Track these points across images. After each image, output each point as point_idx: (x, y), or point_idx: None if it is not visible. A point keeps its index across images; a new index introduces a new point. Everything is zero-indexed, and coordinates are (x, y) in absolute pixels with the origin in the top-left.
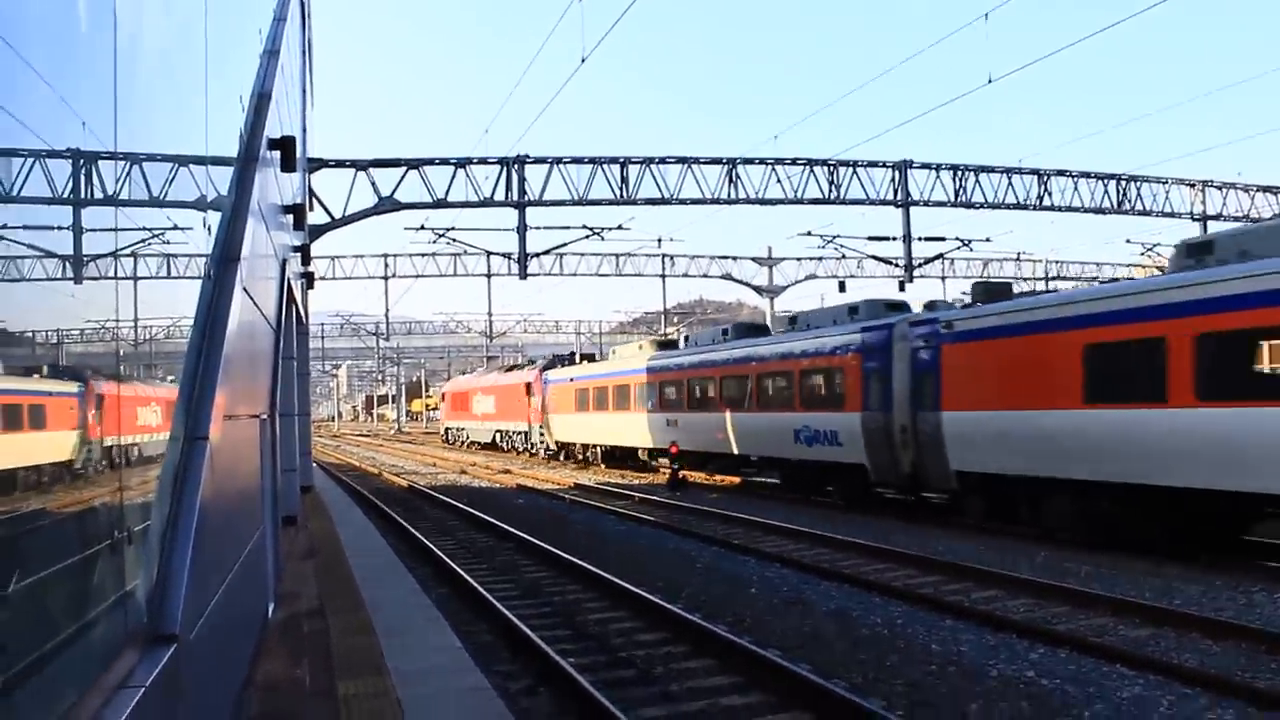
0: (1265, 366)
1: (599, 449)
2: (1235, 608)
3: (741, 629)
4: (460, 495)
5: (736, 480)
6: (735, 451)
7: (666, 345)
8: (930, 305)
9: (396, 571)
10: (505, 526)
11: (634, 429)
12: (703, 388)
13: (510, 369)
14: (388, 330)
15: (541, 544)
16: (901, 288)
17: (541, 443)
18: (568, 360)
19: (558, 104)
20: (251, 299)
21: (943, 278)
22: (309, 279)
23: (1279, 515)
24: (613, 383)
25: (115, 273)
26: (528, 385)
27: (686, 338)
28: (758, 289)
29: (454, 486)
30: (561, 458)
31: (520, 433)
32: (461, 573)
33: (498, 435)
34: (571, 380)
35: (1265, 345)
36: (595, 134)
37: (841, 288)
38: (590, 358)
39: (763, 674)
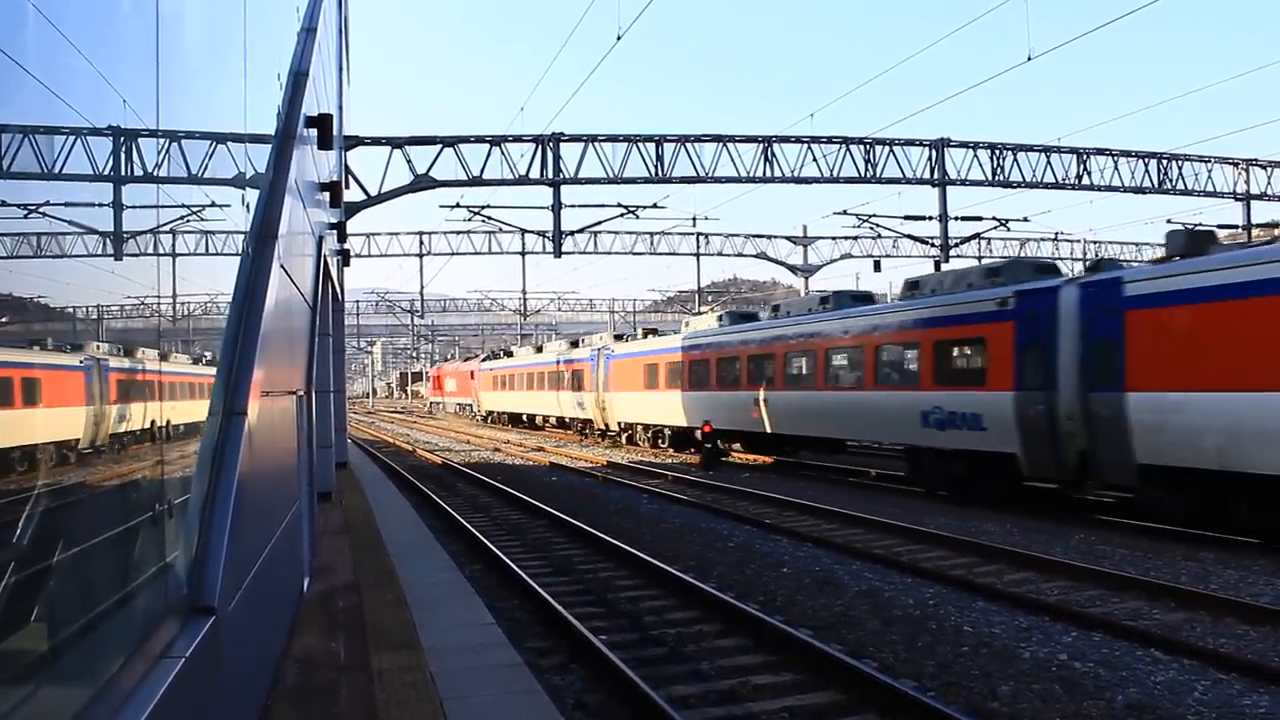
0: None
1: (506, 415)
2: (1274, 592)
3: (773, 608)
4: (494, 472)
5: (769, 460)
6: (540, 412)
7: (572, 347)
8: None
9: (430, 547)
10: (538, 504)
11: (523, 402)
12: (547, 378)
13: (466, 359)
14: (422, 308)
15: (574, 521)
16: (937, 267)
17: (479, 411)
18: (502, 354)
19: (593, 82)
20: (288, 276)
21: (979, 258)
22: (345, 256)
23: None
24: (514, 372)
25: (155, 249)
26: (473, 372)
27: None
28: (792, 268)
29: (487, 464)
30: (489, 421)
31: (469, 405)
32: (494, 549)
33: (458, 407)
34: (492, 369)
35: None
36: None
37: (877, 267)
38: (509, 353)
39: (794, 653)
